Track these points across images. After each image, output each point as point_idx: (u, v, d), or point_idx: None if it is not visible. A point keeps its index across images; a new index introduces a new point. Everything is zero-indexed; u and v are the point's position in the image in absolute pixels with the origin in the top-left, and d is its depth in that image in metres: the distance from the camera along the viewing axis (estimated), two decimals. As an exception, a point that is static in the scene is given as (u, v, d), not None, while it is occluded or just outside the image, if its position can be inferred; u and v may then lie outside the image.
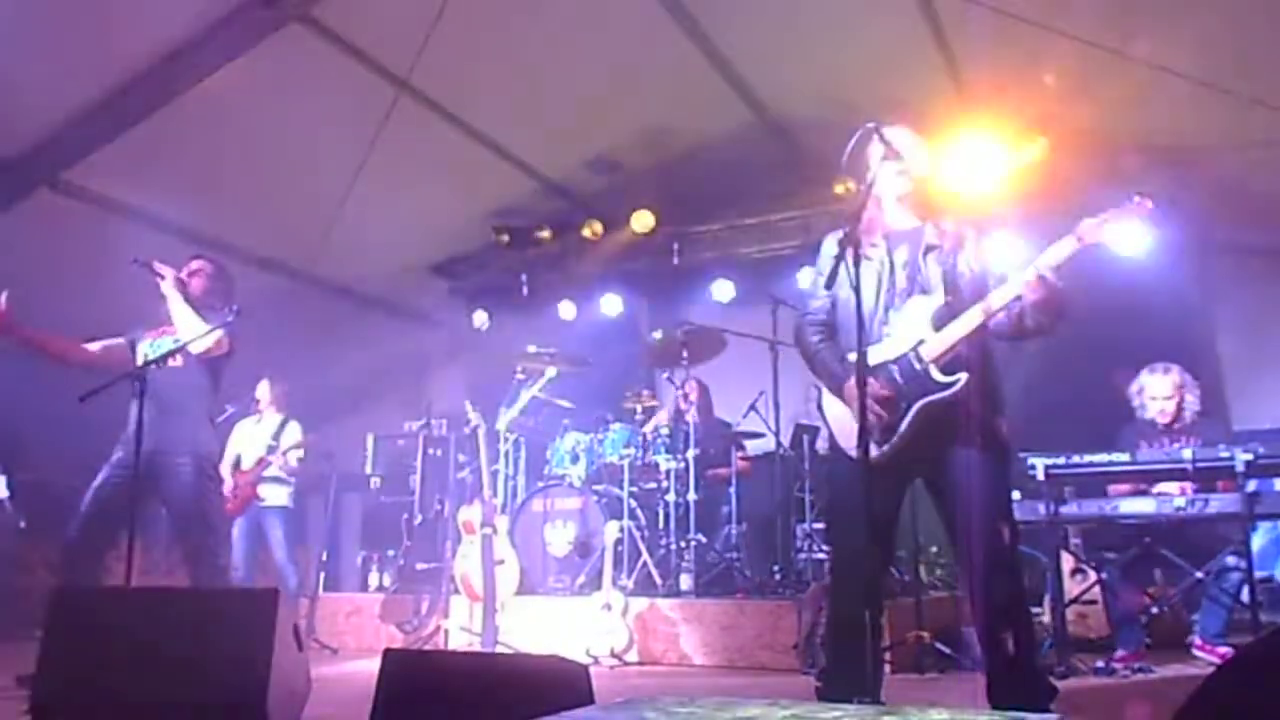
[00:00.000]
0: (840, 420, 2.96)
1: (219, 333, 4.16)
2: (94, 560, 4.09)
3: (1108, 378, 5.70)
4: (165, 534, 6.25)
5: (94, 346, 4.34)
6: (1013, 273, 2.76)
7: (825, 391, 3.03)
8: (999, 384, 2.90)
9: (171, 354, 4.06)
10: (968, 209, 3.10)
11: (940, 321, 2.82)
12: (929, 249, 2.91)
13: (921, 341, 2.83)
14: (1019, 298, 2.71)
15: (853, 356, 2.80)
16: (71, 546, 4.06)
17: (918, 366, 2.82)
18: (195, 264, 4.49)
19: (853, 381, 2.87)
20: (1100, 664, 4.27)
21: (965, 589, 3.01)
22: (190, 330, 4.12)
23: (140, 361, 4.19)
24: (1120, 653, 4.42)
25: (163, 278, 4.23)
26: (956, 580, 5.39)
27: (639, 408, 6.51)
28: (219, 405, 4.71)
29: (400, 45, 5.99)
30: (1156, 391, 4.82)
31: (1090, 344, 6.64)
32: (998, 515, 2.82)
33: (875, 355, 2.87)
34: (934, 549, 5.75)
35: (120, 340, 4.38)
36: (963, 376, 2.76)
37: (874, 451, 2.82)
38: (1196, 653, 4.54)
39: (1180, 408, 4.79)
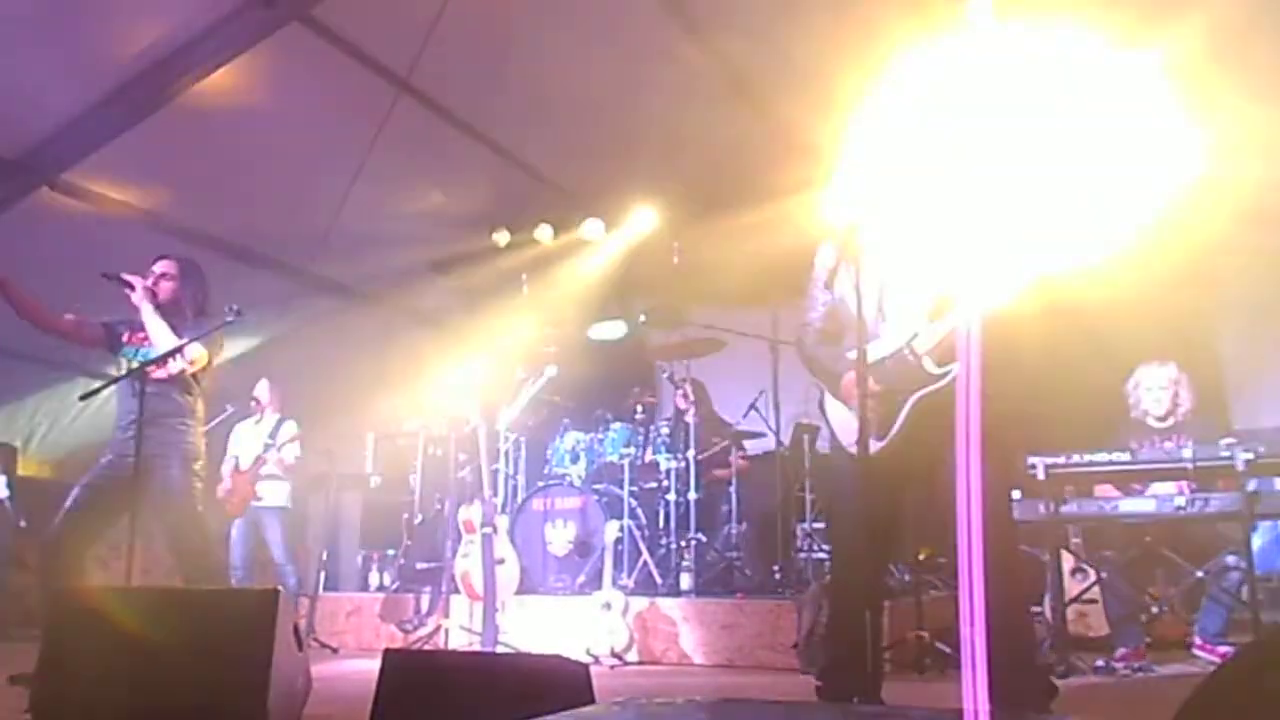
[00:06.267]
0: (841, 419, 2.97)
1: (198, 351, 4.09)
2: (72, 557, 4.04)
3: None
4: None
5: (69, 318, 4.22)
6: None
7: (826, 392, 3.03)
8: (1002, 381, 2.87)
9: (155, 362, 4.01)
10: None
11: (934, 315, 2.82)
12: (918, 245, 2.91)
13: (915, 335, 2.82)
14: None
15: (853, 355, 2.81)
16: (50, 543, 4.03)
17: (911, 359, 2.81)
18: (159, 265, 4.30)
19: (849, 378, 2.88)
20: (1100, 663, 4.27)
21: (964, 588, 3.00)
22: (164, 346, 4.05)
23: (125, 366, 4.16)
24: (1120, 651, 4.42)
25: (133, 289, 4.10)
26: (956, 580, 5.39)
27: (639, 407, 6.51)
28: (215, 406, 4.67)
29: (400, 45, 5.99)
30: (1152, 382, 4.85)
31: (1090, 344, 6.65)
32: (996, 514, 2.81)
33: (872, 352, 2.87)
34: (932, 548, 5.74)
35: (96, 323, 4.26)
36: (955, 367, 2.76)
37: (872, 447, 2.82)
38: (1196, 652, 4.54)
39: (1175, 401, 4.81)
